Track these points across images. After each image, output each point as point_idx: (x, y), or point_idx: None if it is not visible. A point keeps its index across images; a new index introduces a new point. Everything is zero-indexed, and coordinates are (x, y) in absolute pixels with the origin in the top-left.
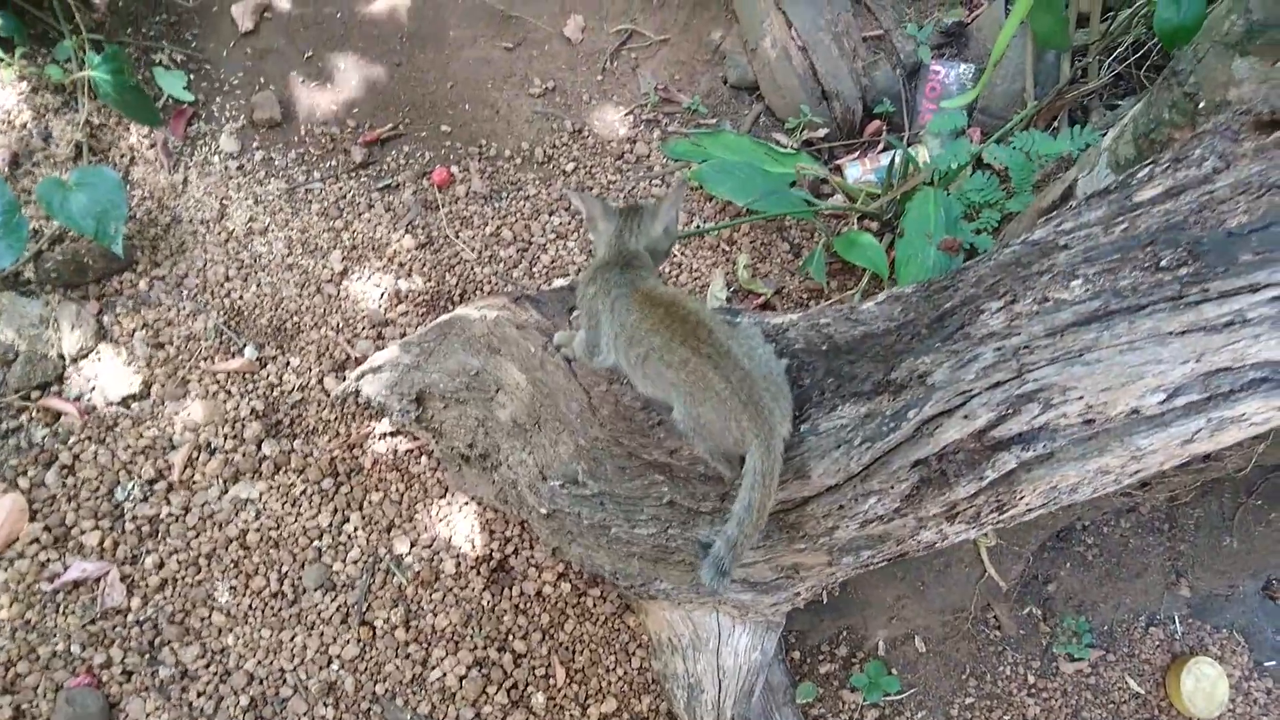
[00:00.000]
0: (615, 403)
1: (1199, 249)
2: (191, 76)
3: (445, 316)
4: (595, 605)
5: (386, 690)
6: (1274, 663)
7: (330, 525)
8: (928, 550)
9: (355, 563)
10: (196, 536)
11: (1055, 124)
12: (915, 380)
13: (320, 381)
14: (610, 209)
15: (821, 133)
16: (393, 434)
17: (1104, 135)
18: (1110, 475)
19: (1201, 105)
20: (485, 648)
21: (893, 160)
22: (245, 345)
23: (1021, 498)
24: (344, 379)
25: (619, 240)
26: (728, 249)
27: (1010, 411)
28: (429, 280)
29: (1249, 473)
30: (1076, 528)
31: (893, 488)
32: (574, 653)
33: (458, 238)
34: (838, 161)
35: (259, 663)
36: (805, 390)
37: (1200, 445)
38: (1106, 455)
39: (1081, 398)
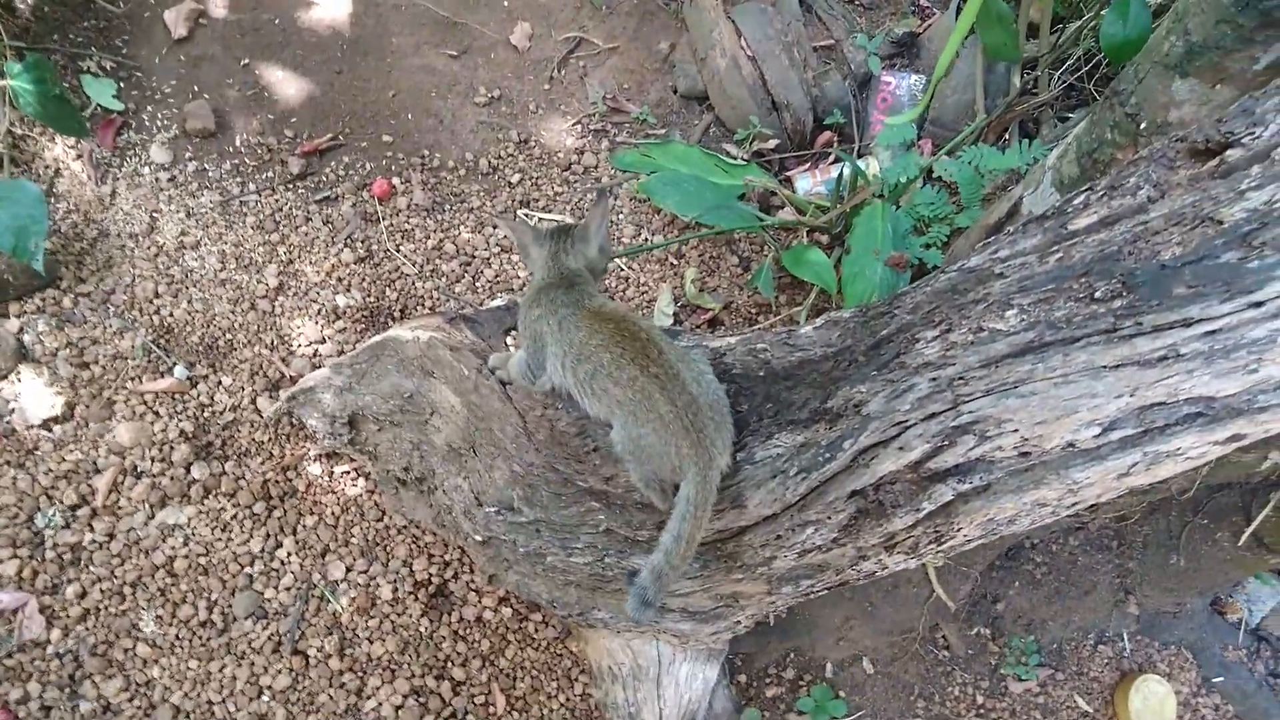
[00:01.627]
0: (550, 428)
1: (1133, 281)
2: (121, 85)
3: (377, 338)
4: (537, 630)
5: None
6: (1221, 678)
7: (262, 551)
8: (869, 579)
9: (288, 589)
10: (121, 564)
11: (1006, 136)
12: (851, 409)
13: (253, 402)
14: (540, 233)
15: (772, 144)
16: (328, 456)
17: (1050, 151)
18: (1048, 508)
19: (1144, 126)
20: (423, 676)
21: (841, 173)
22: (175, 364)
23: (959, 529)
24: (278, 399)
25: (555, 262)
26: (676, 263)
27: (946, 443)
28: (368, 295)
29: (1196, 493)
30: (1025, 546)
31: (830, 518)
32: (515, 679)
33: (398, 251)
34: (788, 173)
35: (186, 695)
36: (743, 416)
37: (1137, 479)
38: (1043, 488)
39: (1016, 430)
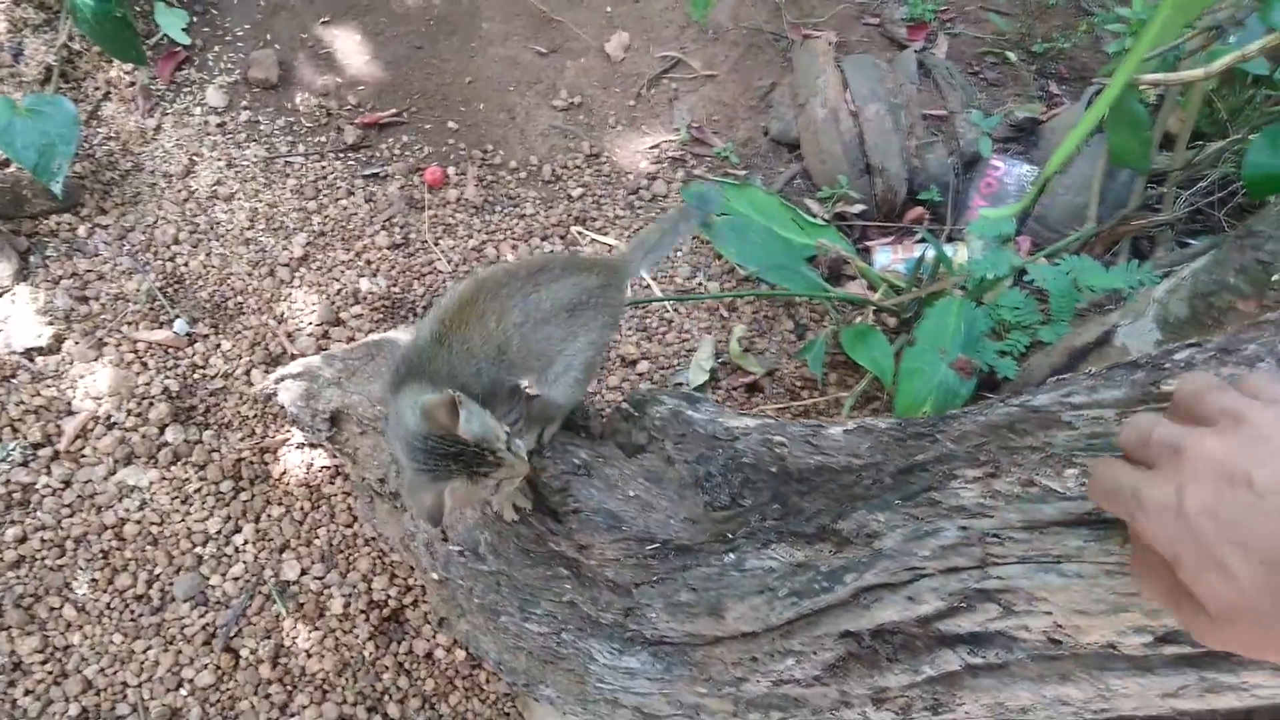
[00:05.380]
0: (534, 475)
1: None
2: (194, 19)
3: (376, 336)
4: (488, 682)
5: None
6: None
7: (219, 533)
8: None
9: (235, 580)
10: (70, 516)
11: (1115, 251)
12: (863, 538)
13: (248, 373)
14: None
15: (857, 208)
16: (311, 446)
17: (1159, 280)
18: (1070, 708)
19: (1276, 278)
20: (355, 704)
21: (923, 254)
22: (176, 317)
23: (961, 704)
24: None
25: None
26: (726, 315)
27: (964, 606)
28: (394, 285)
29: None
30: None
31: (815, 654)
32: None
33: (436, 245)
34: (869, 243)
35: (101, 670)
36: (744, 512)
37: (1185, 702)
38: (1069, 685)
39: (1050, 614)
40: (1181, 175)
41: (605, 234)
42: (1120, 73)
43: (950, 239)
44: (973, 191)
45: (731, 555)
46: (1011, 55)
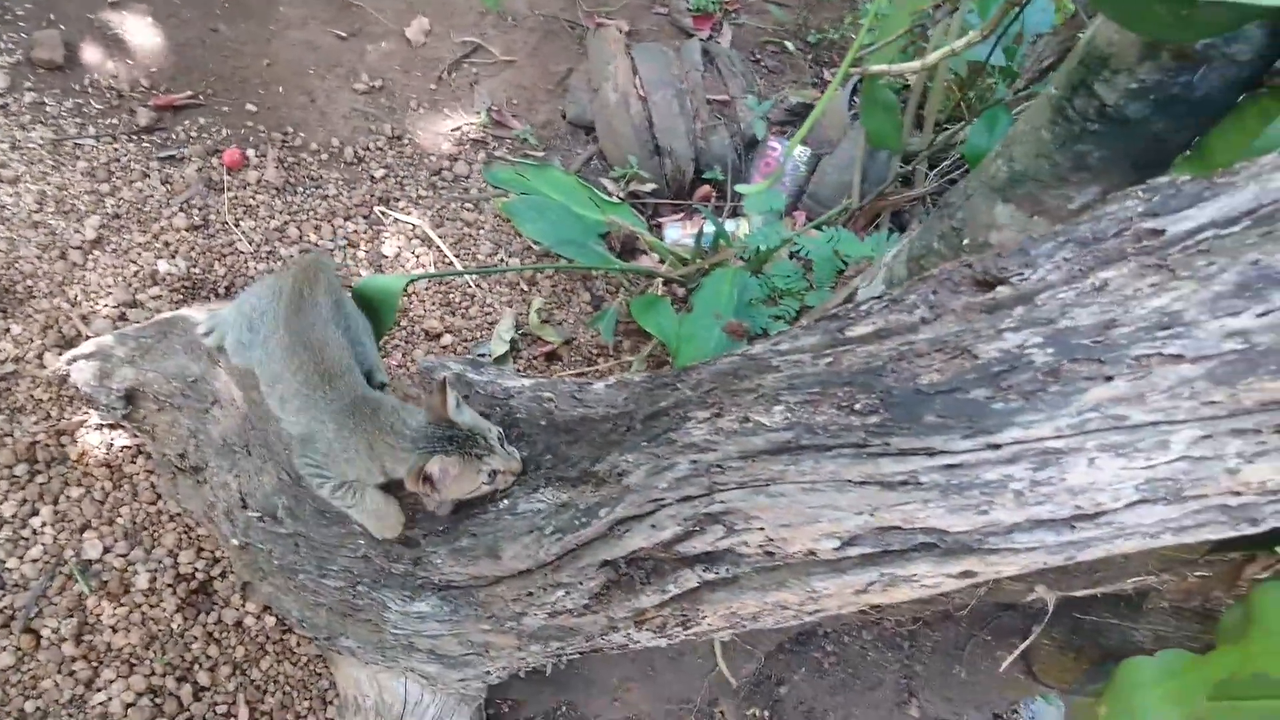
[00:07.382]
0: None
1: (890, 399)
2: None
3: (168, 314)
4: (298, 645)
5: (38, 709)
6: None
7: (14, 516)
8: (622, 650)
9: (34, 562)
10: None
11: (877, 223)
12: (614, 477)
13: (40, 356)
14: None
15: (650, 187)
16: (111, 426)
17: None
18: (790, 611)
19: (966, 242)
20: (164, 675)
21: (701, 229)
22: None
23: (704, 618)
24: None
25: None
26: (526, 289)
27: (696, 529)
28: (194, 266)
29: (984, 606)
30: (817, 633)
31: (581, 584)
32: (265, 693)
33: (237, 226)
34: (661, 220)
35: None
36: (521, 463)
37: (875, 597)
38: (785, 591)
39: (763, 529)
40: (929, 154)
41: (408, 214)
42: (844, 63)
43: (735, 215)
44: (753, 171)
45: (505, 501)
46: (790, 44)
